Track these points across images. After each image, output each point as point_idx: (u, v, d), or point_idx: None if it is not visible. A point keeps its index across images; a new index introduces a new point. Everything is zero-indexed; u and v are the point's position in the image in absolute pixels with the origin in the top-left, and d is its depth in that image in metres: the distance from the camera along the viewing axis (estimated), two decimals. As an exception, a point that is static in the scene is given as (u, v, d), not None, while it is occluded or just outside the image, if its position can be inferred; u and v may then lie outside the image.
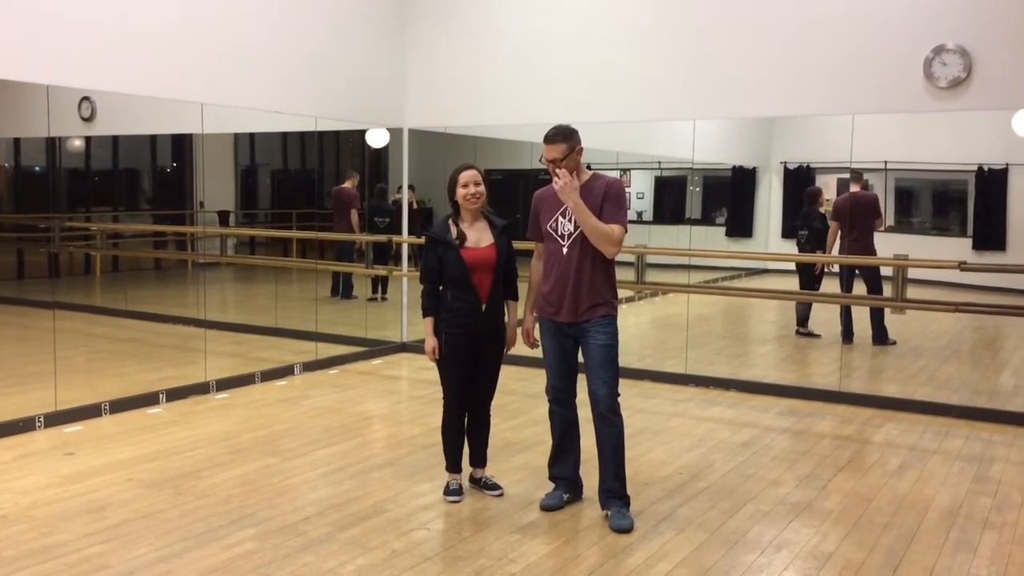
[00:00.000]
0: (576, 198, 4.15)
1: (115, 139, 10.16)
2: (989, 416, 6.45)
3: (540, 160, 4.31)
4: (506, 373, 4.92)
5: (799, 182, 11.50)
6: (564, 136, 4.27)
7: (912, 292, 7.05)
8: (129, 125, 8.97)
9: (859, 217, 8.74)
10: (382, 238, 9.39)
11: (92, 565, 3.78)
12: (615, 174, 12.08)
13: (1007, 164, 9.81)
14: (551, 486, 4.61)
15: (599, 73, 7.66)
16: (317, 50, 7.76)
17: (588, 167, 4.45)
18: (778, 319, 10.60)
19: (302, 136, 11.80)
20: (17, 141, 9.96)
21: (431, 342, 4.53)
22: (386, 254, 9.52)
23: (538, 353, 4.58)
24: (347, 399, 6.93)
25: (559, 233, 4.34)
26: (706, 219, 13.16)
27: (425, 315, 4.54)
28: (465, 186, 4.44)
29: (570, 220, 4.29)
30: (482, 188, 4.47)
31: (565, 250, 4.31)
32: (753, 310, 11.66)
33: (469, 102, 8.33)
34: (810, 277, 9.08)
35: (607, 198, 4.26)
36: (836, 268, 8.87)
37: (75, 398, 6.23)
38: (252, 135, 11.61)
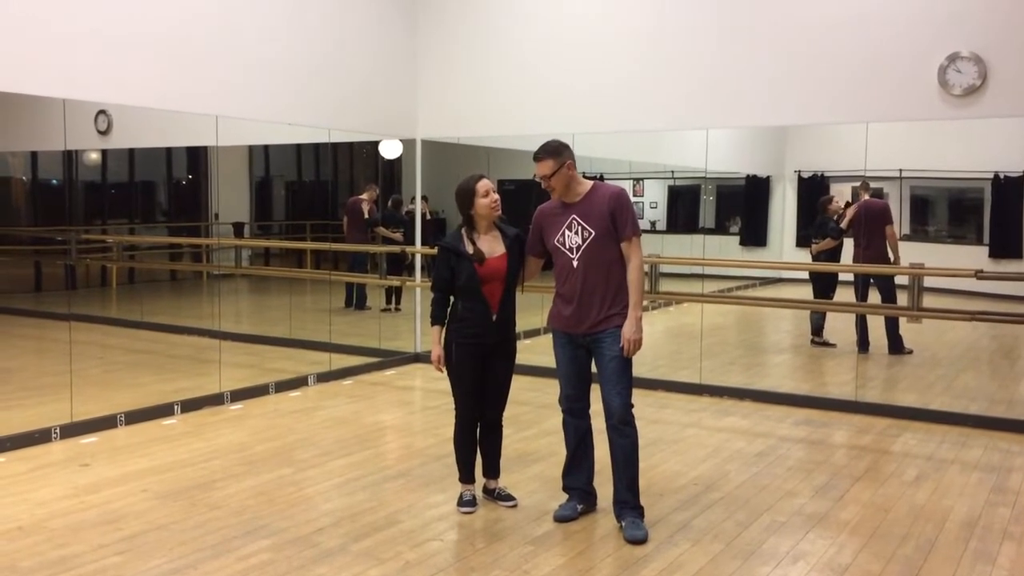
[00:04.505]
0: (634, 333, 4.24)
1: (131, 152, 10.23)
2: (1007, 426, 6.39)
3: (534, 177, 4.36)
4: (518, 383, 4.91)
5: (813, 191, 11.45)
6: (550, 152, 4.33)
7: (928, 301, 7.00)
8: (145, 138, 9.04)
9: (871, 225, 8.69)
10: (395, 249, 9.41)
11: (107, 576, 3.79)
12: (628, 183, 12.08)
13: (1023, 172, 9.74)
14: (565, 497, 4.60)
15: (611, 82, 7.66)
16: (330, 62, 7.80)
17: (601, 177, 4.47)
18: (793, 328, 10.55)
19: (316, 148, 11.85)
20: (34, 154, 10.04)
21: (436, 351, 4.53)
22: (399, 265, 9.53)
23: (551, 362, 4.57)
24: (361, 410, 6.93)
25: (567, 247, 4.34)
26: (720, 228, 13.13)
27: (433, 323, 4.55)
28: (486, 195, 4.44)
29: (576, 233, 4.30)
30: (497, 195, 4.49)
31: (575, 263, 4.32)
32: (767, 319, 11.61)
33: (481, 112, 8.35)
34: (824, 286, 9.03)
35: (618, 212, 4.27)
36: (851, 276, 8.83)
37: (91, 410, 6.26)
38: (266, 147, 11.67)
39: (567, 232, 4.34)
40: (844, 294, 8.85)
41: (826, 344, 9.25)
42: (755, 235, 12.83)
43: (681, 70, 7.41)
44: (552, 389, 4.82)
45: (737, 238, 13.04)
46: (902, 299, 7.47)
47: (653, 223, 12.75)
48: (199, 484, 5.02)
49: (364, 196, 10.77)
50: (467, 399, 4.58)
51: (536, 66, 8.05)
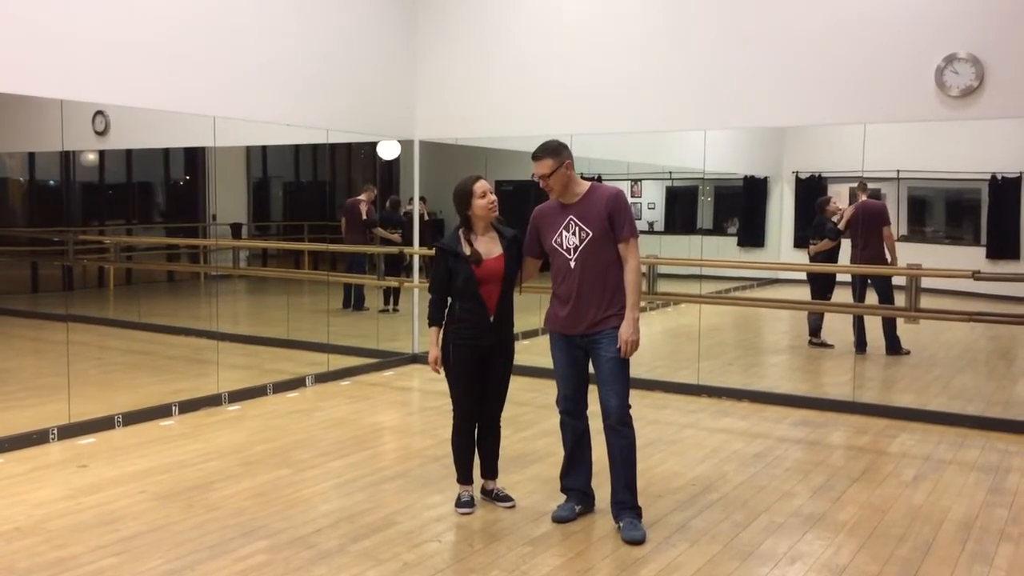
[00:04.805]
0: (632, 334, 4.22)
1: (128, 152, 10.24)
2: (1005, 426, 6.40)
3: (532, 176, 4.36)
4: (517, 384, 4.91)
5: (811, 192, 11.48)
6: (550, 152, 4.33)
7: (926, 301, 7.01)
8: (142, 139, 9.04)
9: (868, 226, 8.71)
10: (393, 249, 9.42)
11: (105, 577, 3.79)
12: (626, 184, 12.10)
13: (1021, 172, 9.76)
14: (563, 498, 4.59)
15: (609, 84, 7.66)
16: (328, 63, 7.80)
17: (599, 178, 4.47)
18: (790, 329, 10.56)
19: (314, 148, 11.86)
20: (32, 155, 10.05)
21: (434, 352, 4.54)
22: (397, 265, 9.54)
23: (549, 363, 4.57)
24: (359, 411, 6.93)
25: (564, 247, 4.34)
26: (718, 229, 13.16)
27: (431, 324, 4.56)
28: (483, 196, 4.45)
29: (574, 234, 4.30)
30: (495, 196, 4.50)
31: (572, 263, 4.32)
32: (765, 320, 11.62)
33: (479, 113, 8.35)
34: (822, 287, 9.04)
35: (616, 214, 4.27)
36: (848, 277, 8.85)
37: (88, 410, 6.25)
38: (264, 148, 11.69)
39: (564, 233, 4.34)
40: (842, 295, 8.86)
41: (824, 345, 9.26)
42: (753, 236, 12.86)
43: (680, 71, 7.41)
44: (550, 390, 4.82)
45: (735, 239, 13.07)
46: (899, 300, 7.49)
47: (651, 224, 12.77)
48: (197, 485, 5.02)
49: (362, 197, 10.78)
50: (465, 400, 4.58)
51: (535, 66, 8.05)
